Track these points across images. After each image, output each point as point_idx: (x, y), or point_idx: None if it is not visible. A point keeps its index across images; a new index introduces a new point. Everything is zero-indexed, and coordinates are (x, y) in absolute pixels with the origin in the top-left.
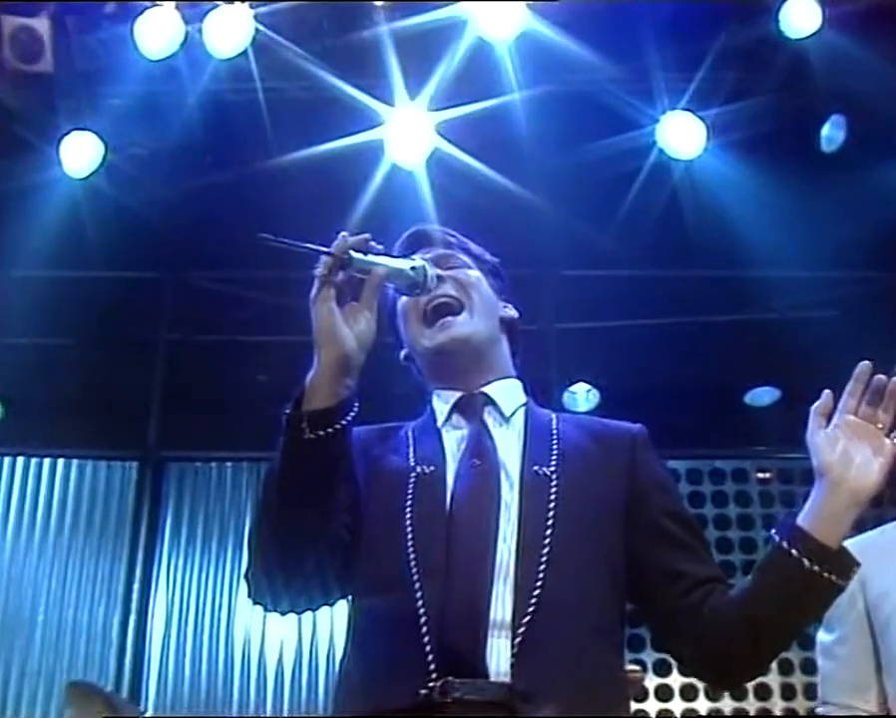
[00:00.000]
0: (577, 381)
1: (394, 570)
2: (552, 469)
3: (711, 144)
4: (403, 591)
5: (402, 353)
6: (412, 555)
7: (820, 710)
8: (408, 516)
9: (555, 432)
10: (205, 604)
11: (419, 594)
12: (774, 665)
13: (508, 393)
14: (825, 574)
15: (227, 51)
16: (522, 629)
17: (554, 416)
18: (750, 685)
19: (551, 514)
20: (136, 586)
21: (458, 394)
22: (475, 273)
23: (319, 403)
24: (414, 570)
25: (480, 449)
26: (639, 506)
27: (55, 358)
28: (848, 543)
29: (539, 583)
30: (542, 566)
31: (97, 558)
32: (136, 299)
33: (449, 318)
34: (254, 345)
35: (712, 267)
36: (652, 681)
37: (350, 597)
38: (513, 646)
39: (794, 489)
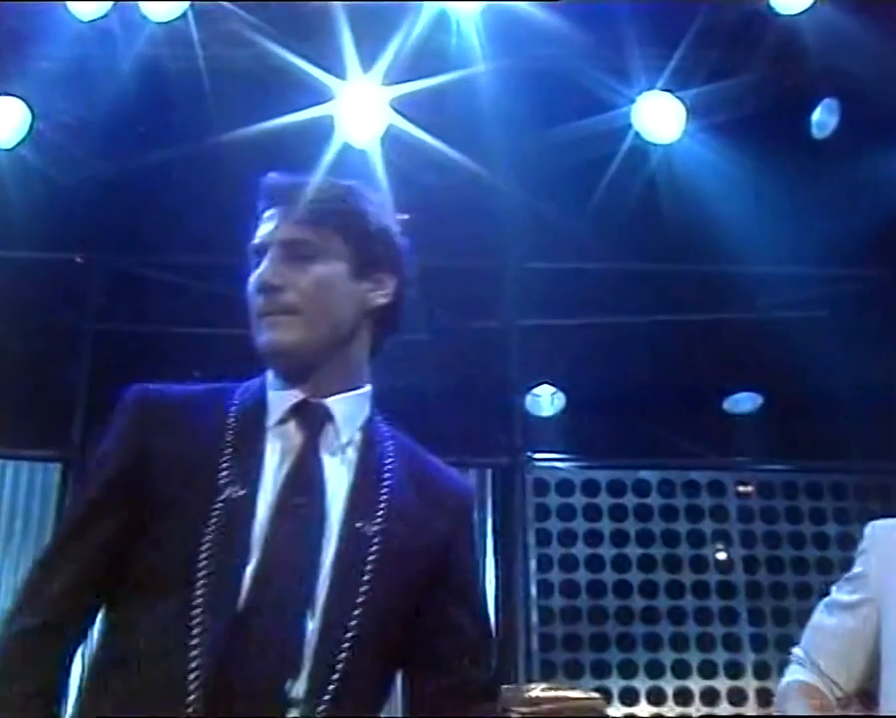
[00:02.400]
0: (540, 383)
1: (174, 613)
2: (374, 529)
3: (691, 127)
4: (177, 654)
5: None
6: (199, 610)
7: (798, 651)
8: (203, 559)
9: (386, 477)
10: None
11: (194, 665)
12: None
13: (350, 411)
14: None
15: (164, 13)
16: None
17: (392, 446)
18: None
19: (364, 590)
20: None
21: (299, 397)
22: (327, 268)
23: None
24: (196, 631)
25: (307, 483)
26: (435, 587)
27: None
28: (881, 524)
29: (339, 669)
30: (345, 645)
31: (16, 569)
32: (61, 284)
33: (280, 319)
34: (191, 337)
35: (691, 261)
36: (617, 710)
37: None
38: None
39: (775, 504)
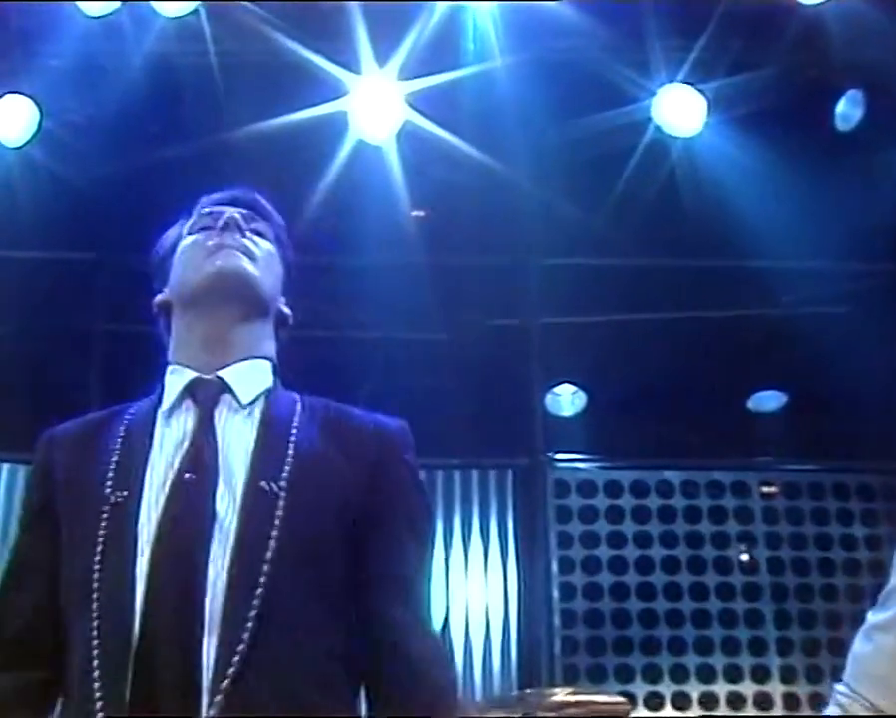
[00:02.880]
0: (561, 382)
1: (78, 657)
2: (282, 483)
3: (713, 119)
4: (84, 697)
5: (156, 301)
6: (94, 643)
7: (840, 687)
8: (95, 571)
9: (293, 432)
10: None
11: (98, 695)
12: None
13: (250, 375)
14: None
15: (175, 8)
16: (221, 692)
17: (299, 405)
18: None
19: (272, 544)
20: None
21: (192, 375)
22: (271, 247)
23: None
24: (95, 664)
25: (197, 456)
26: (370, 527)
27: None
28: None
29: (247, 635)
30: (252, 613)
31: None
32: (71, 284)
33: (240, 253)
34: None
35: (713, 257)
36: (640, 713)
37: None
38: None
39: (801, 504)
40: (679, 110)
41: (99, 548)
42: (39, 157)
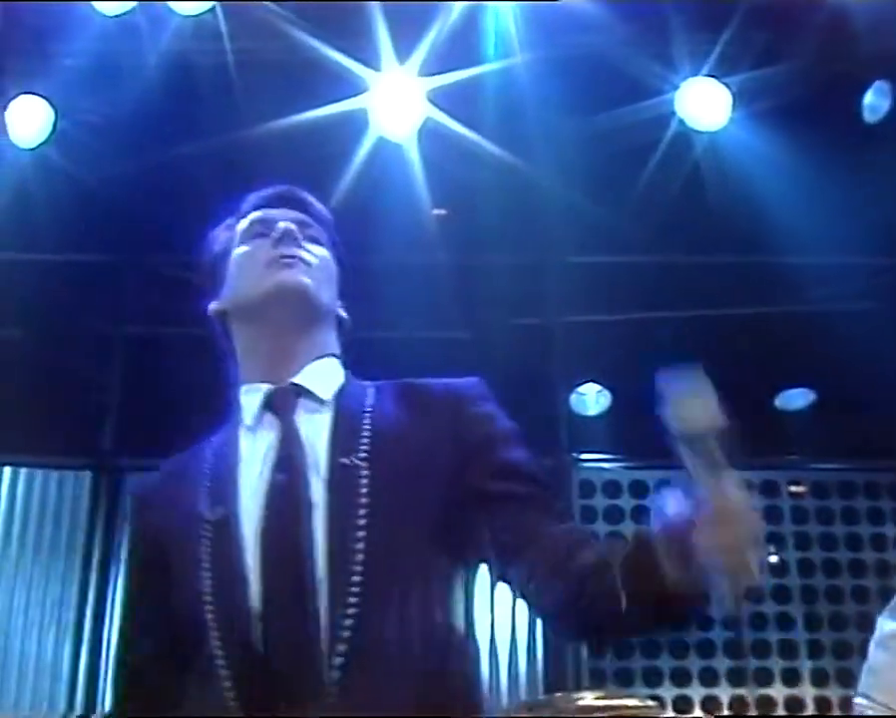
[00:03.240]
0: (585, 381)
1: (201, 669)
2: (362, 455)
3: (738, 114)
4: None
5: (213, 308)
6: (220, 661)
7: (860, 700)
8: (207, 589)
9: (368, 411)
10: None
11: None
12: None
13: (323, 374)
14: None
15: (192, 7)
16: (337, 666)
17: (371, 389)
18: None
19: (363, 512)
20: (88, 613)
21: (267, 388)
22: (325, 253)
23: None
24: (222, 670)
25: (285, 458)
26: (466, 473)
27: None
28: None
29: (354, 605)
30: (357, 579)
31: (45, 582)
32: (91, 287)
33: (300, 264)
34: None
35: (739, 253)
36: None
37: None
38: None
39: (831, 504)
40: (703, 104)
41: (206, 564)
42: (54, 158)
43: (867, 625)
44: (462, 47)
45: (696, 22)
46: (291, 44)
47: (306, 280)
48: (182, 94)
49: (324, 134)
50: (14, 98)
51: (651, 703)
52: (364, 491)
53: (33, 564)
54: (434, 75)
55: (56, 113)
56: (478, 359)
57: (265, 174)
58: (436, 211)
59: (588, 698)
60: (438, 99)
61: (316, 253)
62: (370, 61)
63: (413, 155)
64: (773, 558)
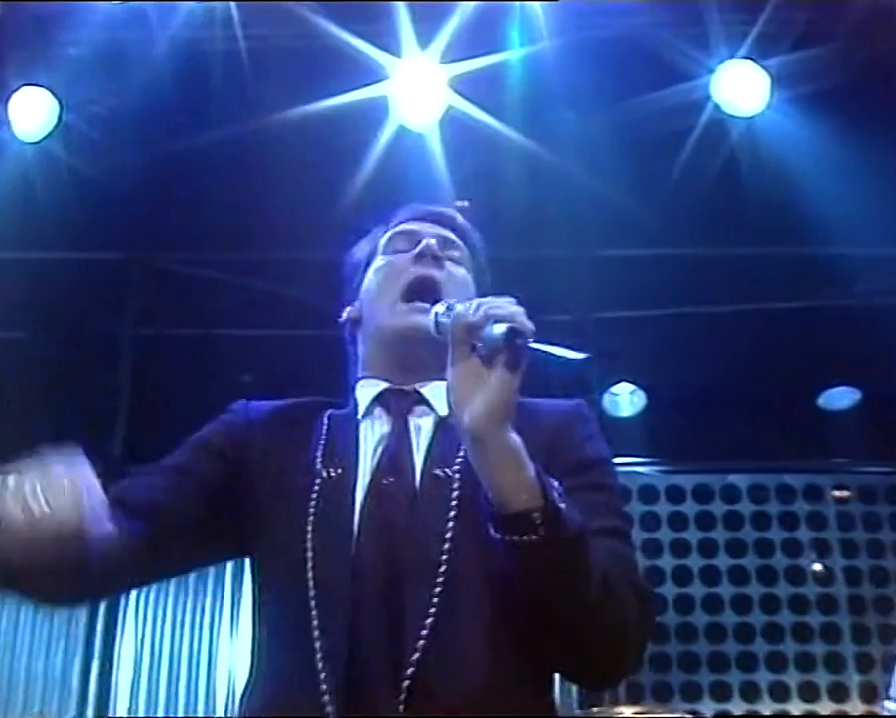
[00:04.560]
0: (618, 381)
1: (294, 607)
2: (455, 467)
3: (776, 98)
4: (303, 637)
5: (347, 314)
6: (312, 593)
7: (887, 708)
8: (309, 540)
9: None
10: (179, 648)
11: (318, 645)
12: None
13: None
14: None
15: None
16: (409, 675)
17: None
18: None
19: (450, 525)
20: (98, 627)
21: (384, 385)
22: (466, 274)
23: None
24: (314, 613)
25: (396, 457)
26: None
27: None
28: None
29: (432, 613)
30: (437, 590)
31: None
32: (96, 286)
33: (428, 305)
34: (238, 340)
35: (779, 245)
36: None
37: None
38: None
39: (878, 509)
40: (741, 88)
41: (312, 518)
42: (59, 152)
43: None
44: (485, 32)
45: (734, 2)
46: (308, 30)
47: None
48: (192, 84)
49: (343, 122)
50: (16, 90)
51: None
52: (454, 502)
53: None
54: (457, 61)
55: (61, 104)
56: None
57: (282, 164)
58: (459, 204)
59: (625, 713)
60: (461, 86)
61: (456, 276)
62: (391, 47)
63: (435, 144)
64: (818, 567)
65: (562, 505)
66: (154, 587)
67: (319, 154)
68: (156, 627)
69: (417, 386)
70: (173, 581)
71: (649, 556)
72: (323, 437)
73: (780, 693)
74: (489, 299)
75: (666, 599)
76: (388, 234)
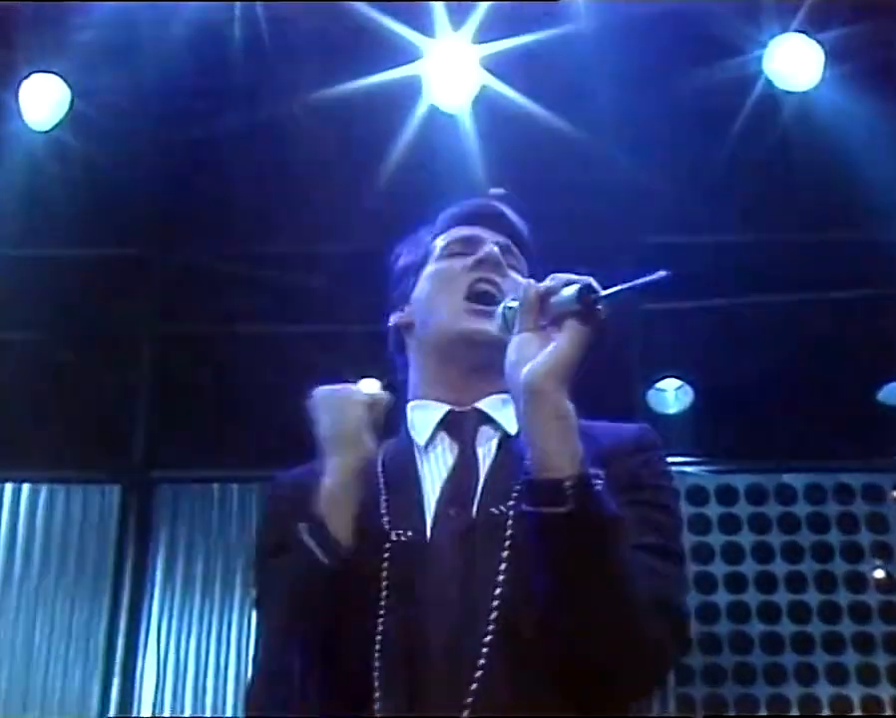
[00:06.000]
0: (665, 376)
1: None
2: (511, 503)
3: (831, 73)
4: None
5: (395, 319)
6: (376, 662)
7: None
8: (382, 616)
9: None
10: (206, 665)
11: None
12: None
13: (508, 405)
14: None
15: None
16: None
17: None
18: None
19: (502, 567)
20: (119, 643)
21: (445, 408)
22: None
23: None
24: (375, 675)
25: (460, 490)
26: None
27: (13, 357)
28: None
29: (482, 664)
30: (487, 639)
31: (71, 609)
32: (113, 283)
33: (492, 308)
34: (264, 338)
35: (833, 229)
36: None
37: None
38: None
39: None
40: (794, 62)
41: (384, 593)
42: (71, 141)
43: None
44: (520, 10)
45: None
46: (337, 9)
47: (495, 331)
48: (211, 67)
49: (374, 104)
50: (27, 77)
51: None
52: (507, 545)
53: (56, 591)
54: (490, 41)
55: (72, 91)
56: None
57: (310, 150)
58: (493, 191)
59: None
60: (494, 66)
61: (517, 283)
62: (423, 27)
63: (467, 125)
64: (880, 574)
65: (598, 484)
66: (178, 601)
67: (349, 136)
68: (181, 642)
69: (478, 404)
70: (199, 592)
71: (699, 562)
72: (382, 489)
73: (842, 706)
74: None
75: (718, 607)
76: (443, 238)
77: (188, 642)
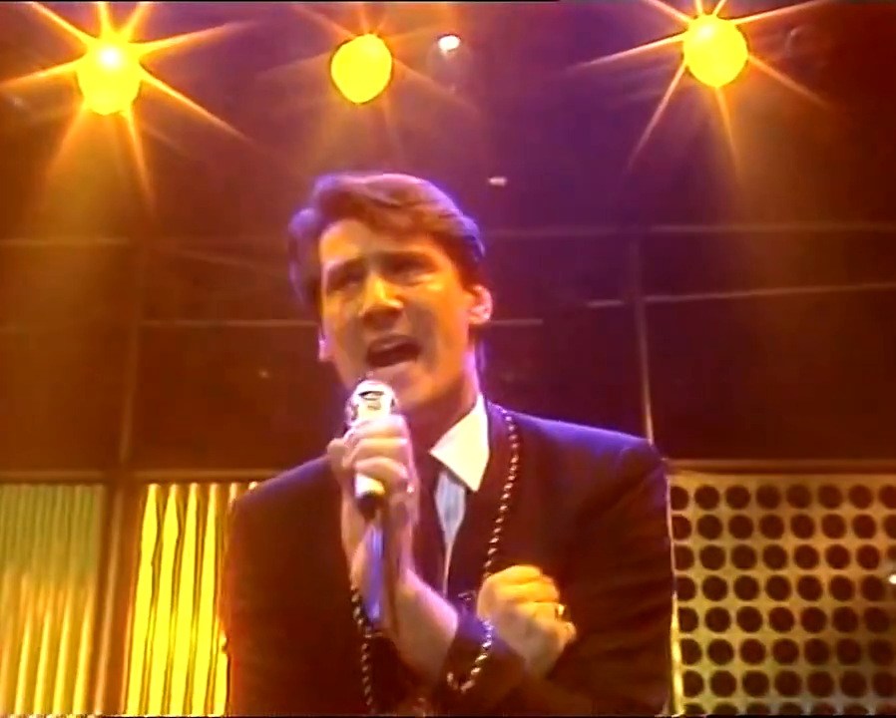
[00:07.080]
0: (673, 371)
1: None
2: (491, 541)
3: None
4: None
5: (323, 353)
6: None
7: None
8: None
9: (504, 504)
10: (193, 665)
11: None
12: None
13: (467, 443)
14: None
15: None
16: None
17: (517, 447)
18: None
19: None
20: (104, 652)
21: None
22: (438, 286)
23: None
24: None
25: (426, 565)
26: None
27: None
28: None
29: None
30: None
31: (53, 615)
32: (100, 274)
33: (401, 367)
34: (255, 332)
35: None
36: None
37: None
38: None
39: None
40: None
41: (368, 691)
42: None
43: None
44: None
45: None
46: None
47: (416, 398)
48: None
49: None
50: None
51: None
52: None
53: (38, 596)
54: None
55: None
56: (550, 348)
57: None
58: (493, 181)
59: None
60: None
61: (420, 304)
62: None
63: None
64: None
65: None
66: (163, 601)
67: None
68: (170, 651)
69: (434, 452)
70: (189, 598)
71: (709, 567)
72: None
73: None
74: (367, 431)
75: (728, 614)
76: (327, 254)
77: (173, 642)
